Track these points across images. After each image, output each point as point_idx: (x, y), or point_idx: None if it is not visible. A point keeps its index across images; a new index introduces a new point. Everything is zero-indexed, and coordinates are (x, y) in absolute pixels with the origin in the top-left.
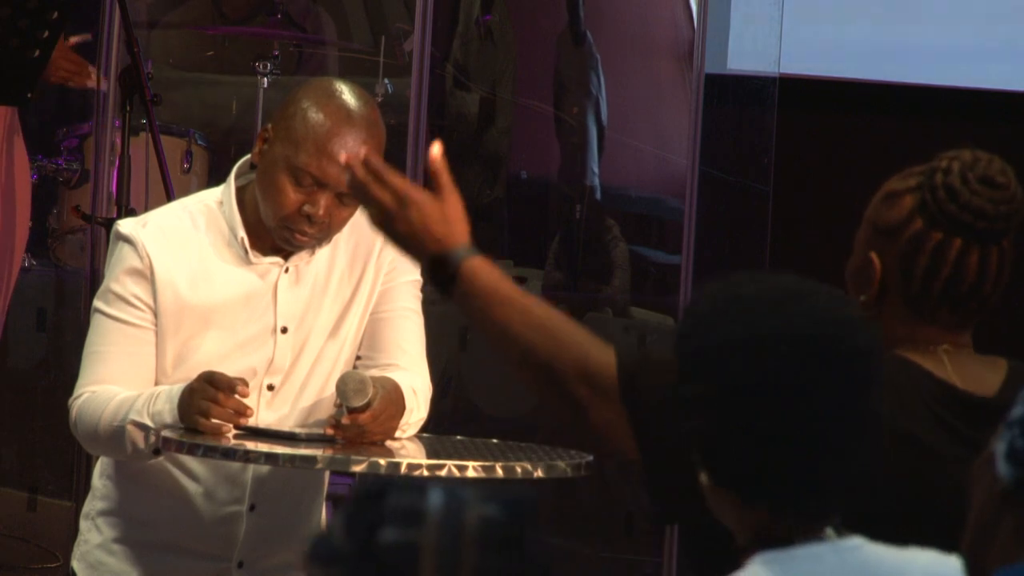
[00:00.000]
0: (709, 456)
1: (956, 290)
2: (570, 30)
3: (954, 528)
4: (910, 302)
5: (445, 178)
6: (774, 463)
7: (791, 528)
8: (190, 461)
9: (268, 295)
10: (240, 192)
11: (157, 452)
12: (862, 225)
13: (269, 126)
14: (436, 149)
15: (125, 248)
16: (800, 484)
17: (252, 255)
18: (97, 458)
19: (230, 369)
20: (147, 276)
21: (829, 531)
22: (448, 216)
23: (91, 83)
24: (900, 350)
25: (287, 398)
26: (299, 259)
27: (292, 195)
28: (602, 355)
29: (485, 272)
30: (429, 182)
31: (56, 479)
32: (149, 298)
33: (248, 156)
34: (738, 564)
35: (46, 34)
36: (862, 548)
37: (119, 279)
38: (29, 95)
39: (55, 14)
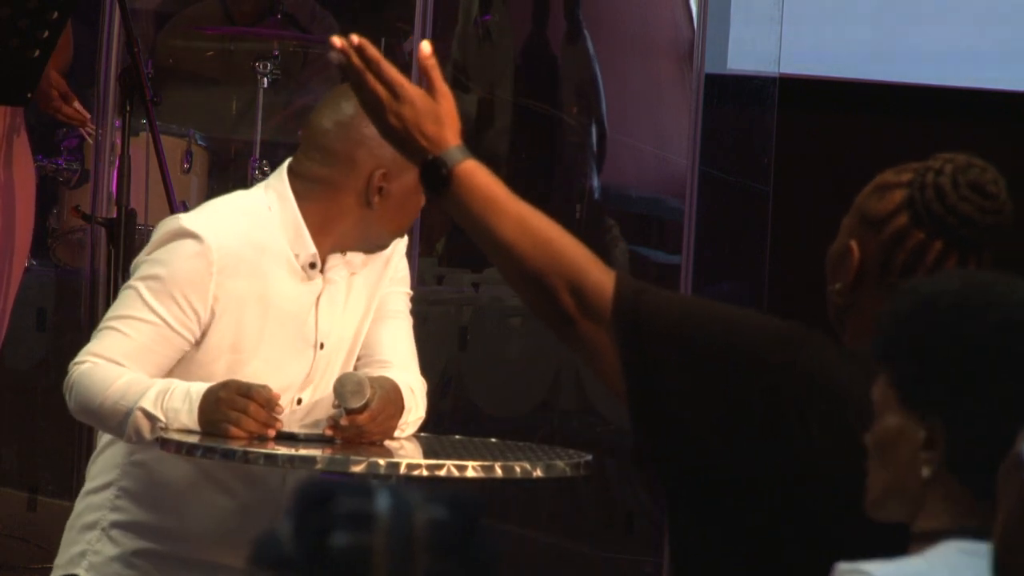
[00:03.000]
0: (951, 446)
1: None
2: (566, 28)
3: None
4: (884, 296)
5: (437, 77)
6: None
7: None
8: (227, 477)
9: (311, 312)
10: (300, 204)
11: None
12: (849, 211)
13: (382, 172)
14: (427, 47)
15: (196, 250)
16: None
17: (311, 272)
18: (95, 461)
19: (273, 385)
20: (209, 288)
21: None
22: (441, 116)
23: (89, 129)
24: None
25: (308, 409)
26: (336, 274)
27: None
28: (600, 275)
29: (480, 175)
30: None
31: (56, 479)
32: (204, 310)
33: (289, 160)
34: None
35: (46, 34)
36: None
37: (180, 279)
38: (29, 95)
39: (55, 14)
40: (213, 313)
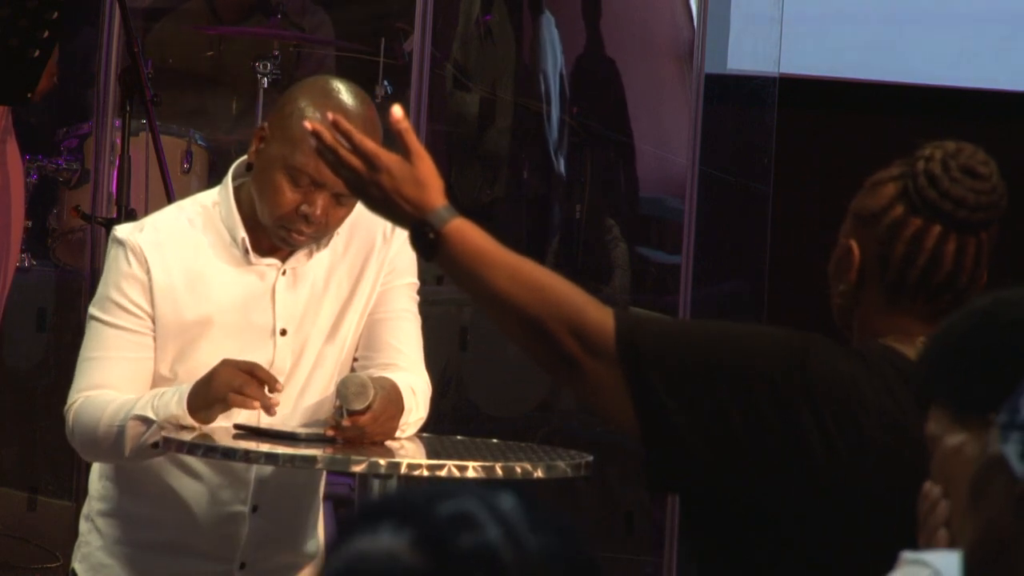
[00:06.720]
0: None
1: (932, 279)
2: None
3: None
4: (887, 290)
5: (412, 140)
6: None
7: None
8: (193, 462)
9: (267, 297)
10: (236, 192)
11: (156, 445)
12: (845, 218)
13: (265, 125)
14: (398, 111)
15: (122, 254)
16: None
17: (252, 256)
18: None
19: None
20: (145, 283)
21: None
22: (420, 179)
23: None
24: (881, 340)
25: (288, 400)
26: (297, 261)
27: (289, 195)
28: (598, 314)
29: (468, 233)
30: None
31: (56, 479)
32: (147, 304)
33: (244, 157)
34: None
35: (46, 34)
36: None
37: (117, 285)
38: (29, 95)
39: (55, 14)
40: (154, 304)
